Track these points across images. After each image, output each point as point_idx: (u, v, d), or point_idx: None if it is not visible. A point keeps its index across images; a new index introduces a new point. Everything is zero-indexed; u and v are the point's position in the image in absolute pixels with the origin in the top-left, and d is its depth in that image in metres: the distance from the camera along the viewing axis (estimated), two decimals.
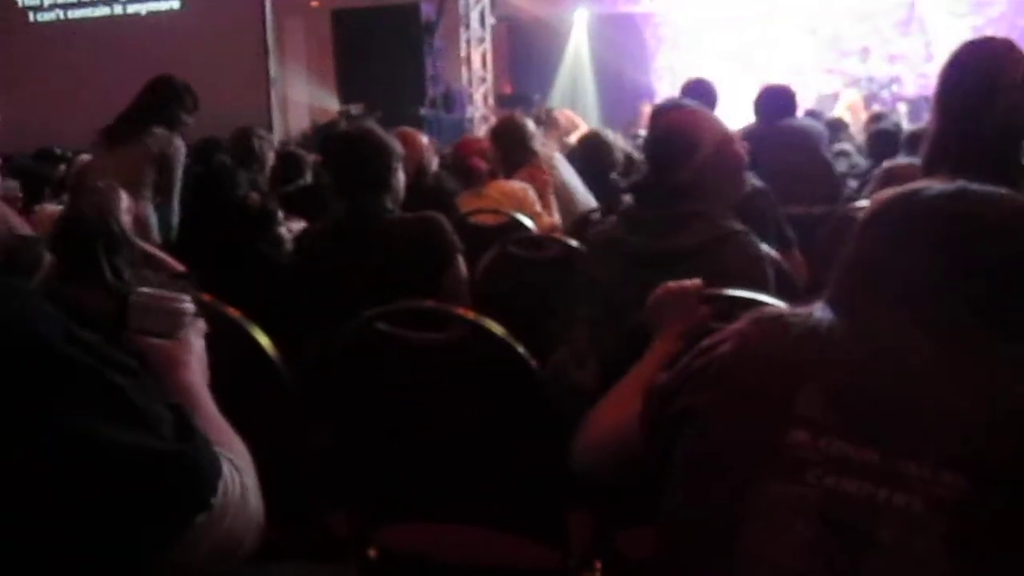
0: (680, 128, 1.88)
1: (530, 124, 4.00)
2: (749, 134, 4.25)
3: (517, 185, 3.54)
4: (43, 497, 0.71)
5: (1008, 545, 0.87)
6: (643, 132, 5.25)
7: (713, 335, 1.09)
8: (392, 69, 8.93)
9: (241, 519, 0.83)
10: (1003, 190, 1.02)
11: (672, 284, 1.44)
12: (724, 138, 1.90)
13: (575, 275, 1.95)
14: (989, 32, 11.33)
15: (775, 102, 4.09)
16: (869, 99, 10.10)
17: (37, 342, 0.73)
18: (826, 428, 0.94)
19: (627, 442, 1.16)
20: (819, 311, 1.02)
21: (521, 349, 1.53)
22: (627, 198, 1.97)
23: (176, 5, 10.34)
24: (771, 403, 0.97)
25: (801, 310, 1.04)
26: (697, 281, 1.46)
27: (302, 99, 12.22)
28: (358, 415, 1.74)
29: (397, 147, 2.36)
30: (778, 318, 1.05)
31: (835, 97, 10.40)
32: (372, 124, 2.40)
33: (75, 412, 0.73)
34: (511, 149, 3.87)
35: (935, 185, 1.04)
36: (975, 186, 1.02)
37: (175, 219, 3.62)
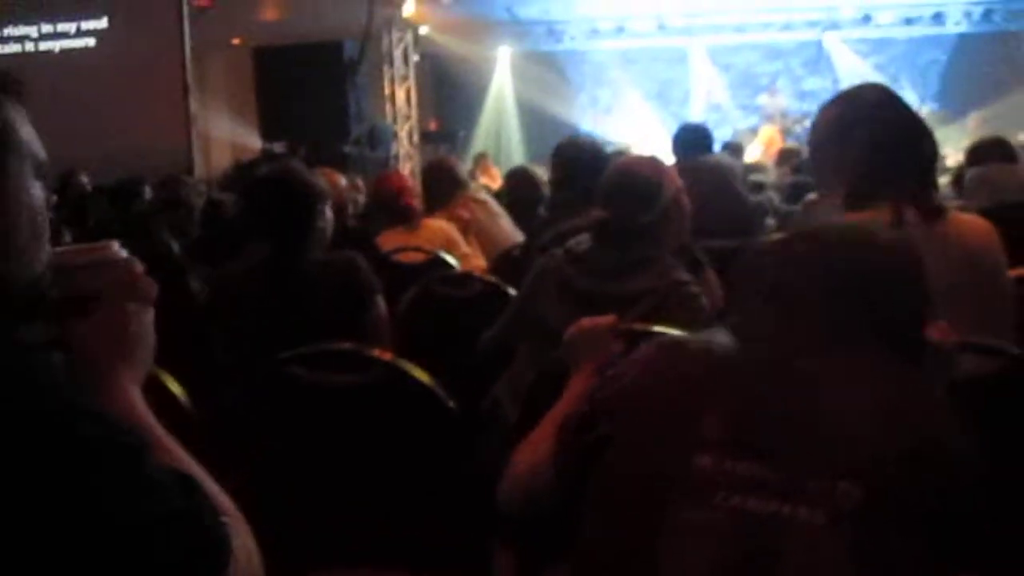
0: (645, 173, 1.96)
1: (459, 165, 4.08)
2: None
3: (445, 224, 3.55)
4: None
5: (907, 549, 0.90)
6: None
7: (618, 365, 1.11)
8: (315, 107, 8.87)
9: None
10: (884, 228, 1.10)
11: (586, 320, 1.47)
12: (680, 187, 1.99)
13: (515, 309, 1.98)
14: (892, 69, 11.90)
15: (690, 140, 4.21)
16: (784, 134, 10.46)
17: (56, 427, 0.67)
18: (729, 450, 0.96)
19: (543, 479, 1.17)
20: (720, 335, 1.06)
21: (440, 391, 1.52)
22: (579, 238, 2.01)
23: (92, 43, 10.12)
24: (677, 429, 1.00)
25: (702, 335, 1.08)
26: (611, 317, 1.48)
27: (224, 137, 12.05)
28: (274, 461, 1.71)
29: (323, 187, 2.34)
30: (678, 345, 1.08)
31: (753, 132, 10.75)
32: (296, 164, 2.36)
33: (98, 497, 0.67)
34: (438, 188, 3.89)
35: (832, 220, 1.10)
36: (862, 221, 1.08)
37: None
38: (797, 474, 0.93)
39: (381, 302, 2.22)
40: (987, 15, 11.29)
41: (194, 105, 10.31)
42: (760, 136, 10.36)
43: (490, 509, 1.33)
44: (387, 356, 1.57)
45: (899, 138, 1.73)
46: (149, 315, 0.90)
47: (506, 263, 3.05)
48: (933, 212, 1.70)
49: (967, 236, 1.71)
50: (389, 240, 3.45)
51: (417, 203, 3.56)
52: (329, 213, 2.33)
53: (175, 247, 3.24)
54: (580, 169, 2.88)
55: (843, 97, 1.89)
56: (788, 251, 1.09)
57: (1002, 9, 11.22)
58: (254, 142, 10.27)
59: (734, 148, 7.57)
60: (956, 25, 11.44)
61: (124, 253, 0.90)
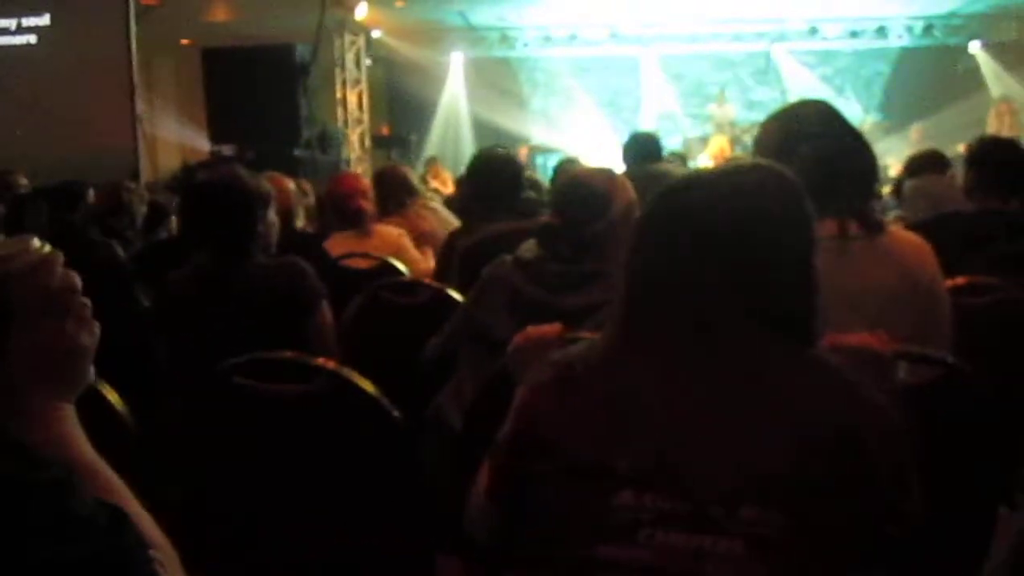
0: (597, 183, 1.96)
1: (411, 174, 4.07)
2: None
3: (396, 231, 3.52)
4: None
5: (826, 570, 0.90)
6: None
7: (522, 393, 1.10)
8: (265, 110, 8.75)
9: None
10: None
11: (532, 330, 1.45)
12: (632, 200, 1.98)
13: (461, 316, 1.96)
14: (837, 81, 12.16)
15: (640, 148, 4.25)
16: (733, 143, 10.61)
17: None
18: (647, 485, 0.95)
19: (481, 501, 1.15)
20: (613, 350, 1.04)
21: (384, 399, 1.50)
22: (527, 244, 2.00)
23: (33, 40, 9.85)
24: (593, 468, 0.98)
25: (594, 350, 1.06)
26: (557, 326, 1.47)
27: (172, 139, 11.85)
28: (217, 472, 1.67)
29: (266, 191, 2.29)
30: (571, 379, 1.06)
31: (703, 141, 10.89)
32: (236, 168, 2.31)
33: (16, 538, 0.63)
34: (391, 194, 3.86)
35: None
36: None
37: None
38: (710, 505, 0.92)
39: (326, 308, 2.18)
40: (927, 30, 11.61)
41: (141, 106, 10.12)
42: (710, 146, 10.50)
43: (435, 517, 1.31)
44: (330, 364, 1.55)
45: (840, 154, 1.76)
46: (76, 327, 0.80)
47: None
48: (875, 226, 1.74)
49: (906, 251, 1.75)
50: (339, 245, 3.41)
51: (368, 206, 3.51)
52: (273, 217, 2.29)
53: (119, 253, 3.16)
54: (493, 177, 2.97)
55: (786, 112, 1.92)
56: (676, 251, 1.06)
57: (941, 24, 11.55)
58: (203, 144, 10.11)
59: (680, 157, 7.69)
60: (899, 39, 11.74)
61: (42, 253, 0.78)
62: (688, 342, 1.00)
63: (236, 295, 2.09)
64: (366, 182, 3.85)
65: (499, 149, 3.31)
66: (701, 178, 1.10)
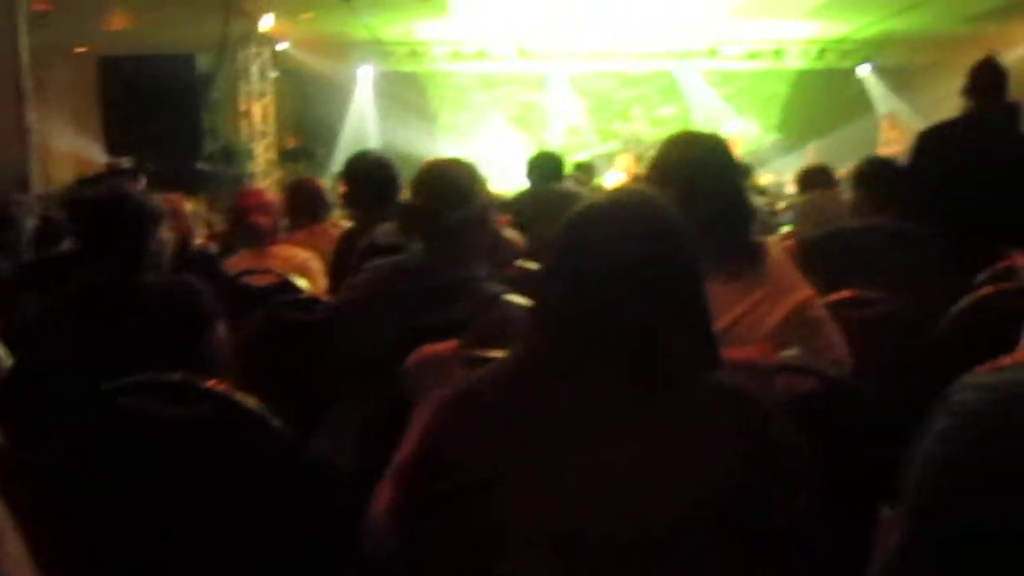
0: (458, 171, 1.95)
1: (325, 187, 4.01)
2: (519, 199, 4.46)
3: (304, 254, 3.45)
4: None
5: None
6: None
7: (426, 413, 1.10)
8: (166, 121, 8.48)
9: None
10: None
11: (427, 349, 1.44)
12: (489, 201, 1.99)
13: (335, 345, 1.92)
14: (738, 100, 12.57)
15: (543, 167, 4.31)
16: (638, 160, 10.84)
17: None
18: (547, 515, 0.96)
19: (385, 522, 1.13)
20: (520, 376, 1.05)
21: (275, 422, 1.47)
22: (384, 228, 1.97)
23: None
24: (493, 490, 0.99)
25: (501, 373, 1.07)
26: (453, 343, 1.46)
27: (67, 150, 11.37)
28: (101, 499, 1.60)
29: (157, 208, 2.23)
30: (477, 402, 1.07)
31: (611, 158, 11.08)
32: (127, 185, 2.24)
33: None
34: (303, 207, 3.80)
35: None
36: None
37: None
38: (595, 543, 0.93)
39: (221, 327, 2.13)
40: (821, 53, 12.13)
41: (32, 115, 9.70)
42: (617, 163, 10.70)
43: (332, 539, 1.29)
44: (219, 387, 1.50)
45: (712, 199, 1.80)
46: None
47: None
48: (755, 257, 1.82)
49: (780, 277, 1.83)
50: (241, 261, 3.33)
51: (268, 221, 3.44)
52: (166, 235, 2.23)
53: (4, 270, 3.02)
54: (370, 182, 3.11)
55: (671, 148, 1.95)
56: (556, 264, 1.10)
57: (834, 48, 12.08)
58: (100, 156, 9.74)
59: (585, 168, 7.78)
60: (795, 61, 12.22)
61: None
62: (595, 373, 1.02)
63: (123, 315, 2.02)
64: (268, 197, 3.78)
65: (373, 152, 3.41)
66: (600, 210, 1.13)
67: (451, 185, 1.92)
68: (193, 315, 2.06)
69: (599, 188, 7.15)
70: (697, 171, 1.84)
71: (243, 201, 3.61)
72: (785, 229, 4.03)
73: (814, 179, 4.47)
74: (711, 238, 1.71)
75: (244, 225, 3.50)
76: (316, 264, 3.38)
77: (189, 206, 3.51)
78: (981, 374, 0.81)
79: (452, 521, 1.01)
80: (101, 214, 2.10)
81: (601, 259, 1.07)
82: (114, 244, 2.06)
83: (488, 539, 0.97)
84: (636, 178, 7.51)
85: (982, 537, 0.75)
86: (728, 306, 1.69)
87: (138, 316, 2.03)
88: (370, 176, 3.13)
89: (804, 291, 1.84)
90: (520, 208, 4.31)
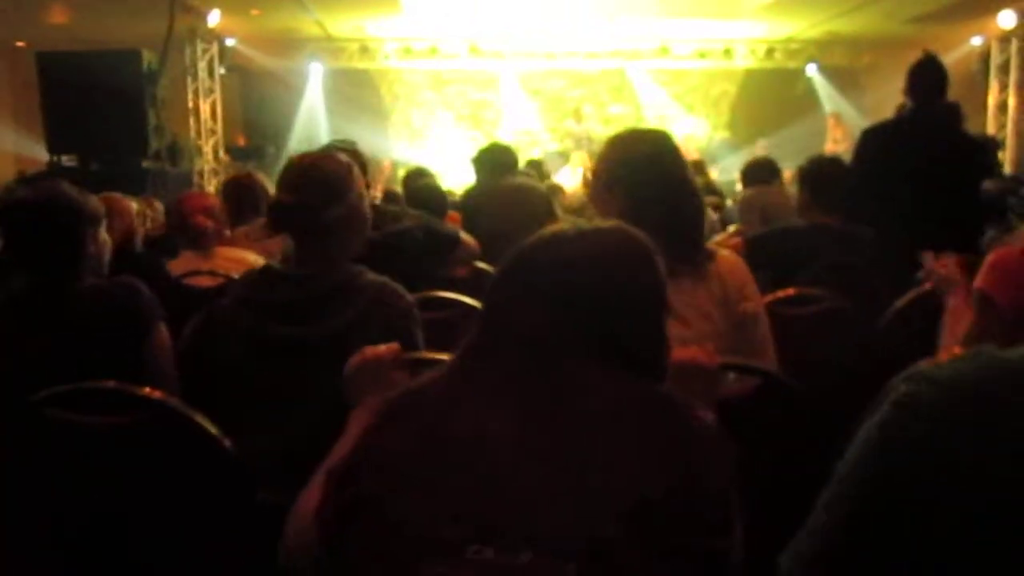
0: (332, 167, 1.88)
1: (263, 181, 3.91)
2: (469, 194, 4.41)
3: (251, 257, 3.39)
4: None
5: None
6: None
7: (359, 419, 1.08)
8: (109, 119, 8.26)
9: None
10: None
11: (368, 351, 1.42)
12: (362, 190, 1.94)
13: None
14: (688, 99, 12.70)
15: (494, 160, 4.27)
16: (592, 158, 10.87)
17: None
18: (468, 533, 0.94)
19: (308, 530, 1.11)
20: (452, 390, 1.05)
21: (213, 430, 1.43)
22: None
23: None
24: (413, 505, 0.97)
25: (433, 385, 1.07)
26: (394, 345, 1.44)
27: (7, 147, 11.08)
28: (32, 514, 1.55)
29: (94, 208, 2.16)
30: (405, 413, 1.06)
31: (563, 156, 11.10)
32: (60, 185, 2.15)
33: None
34: (241, 205, 3.74)
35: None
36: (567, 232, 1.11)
37: None
38: (512, 553, 0.92)
39: (163, 330, 2.07)
40: (769, 53, 12.32)
41: None
42: (572, 161, 10.73)
43: (272, 558, 1.26)
44: (156, 394, 1.46)
45: (660, 197, 1.83)
46: None
47: None
48: (701, 258, 1.83)
49: (722, 273, 1.85)
50: (184, 263, 3.27)
51: (211, 224, 3.38)
52: (104, 236, 2.16)
53: None
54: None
55: (618, 146, 1.96)
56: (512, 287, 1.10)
57: (782, 48, 12.27)
58: (41, 155, 9.49)
59: (536, 165, 7.74)
60: (744, 59, 12.39)
61: None
62: (528, 387, 1.02)
63: (56, 321, 1.95)
64: (211, 200, 3.71)
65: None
66: (562, 236, 1.12)
67: (329, 182, 1.85)
68: (134, 317, 2.00)
69: (553, 186, 7.12)
70: (643, 167, 1.85)
71: (182, 204, 3.54)
72: (732, 228, 4.08)
73: (755, 173, 4.50)
74: (658, 235, 1.74)
75: (187, 227, 3.43)
76: (259, 261, 3.33)
77: (135, 206, 3.43)
78: (932, 367, 0.81)
79: (375, 525, 0.99)
80: (30, 217, 2.01)
81: (557, 275, 1.07)
82: (44, 248, 1.99)
83: (410, 544, 0.96)
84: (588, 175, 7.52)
85: (910, 532, 0.75)
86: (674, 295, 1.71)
87: (74, 322, 1.96)
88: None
89: (748, 280, 1.87)
90: (469, 203, 4.25)
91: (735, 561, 1.04)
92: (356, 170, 1.94)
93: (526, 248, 1.12)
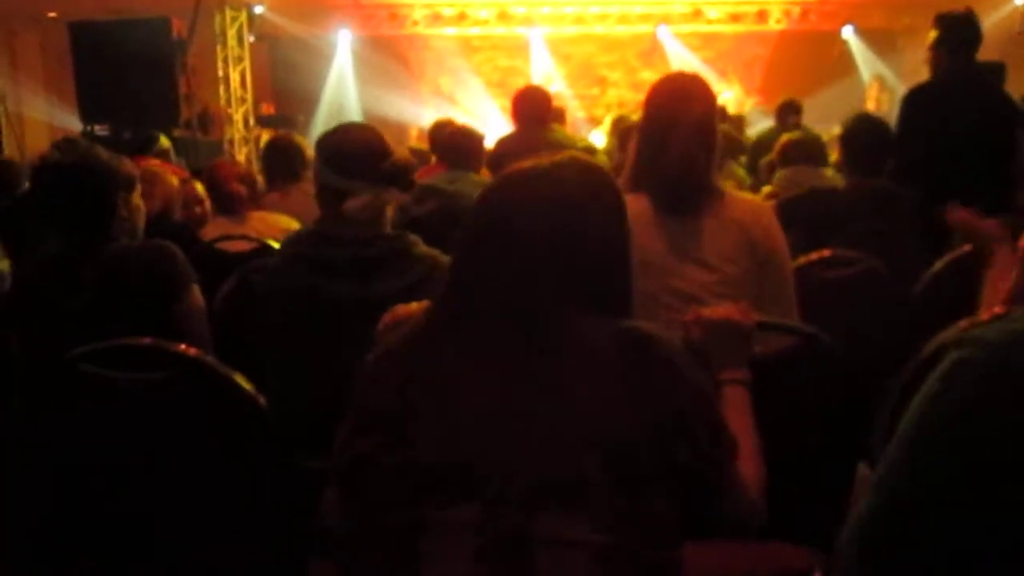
0: (370, 136, 1.91)
1: (306, 144, 3.90)
2: (504, 142, 4.32)
3: (284, 220, 3.41)
4: None
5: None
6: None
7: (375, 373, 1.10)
8: (141, 88, 8.31)
9: None
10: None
11: (400, 309, 1.41)
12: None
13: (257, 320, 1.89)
14: (720, 64, 12.50)
15: (527, 110, 4.18)
16: (620, 121, 10.76)
17: None
18: (442, 479, 0.97)
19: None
20: (425, 333, 1.06)
21: (248, 387, 1.45)
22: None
23: None
24: (395, 448, 1.00)
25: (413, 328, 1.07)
26: (425, 303, 1.44)
27: (40, 117, 11.20)
28: (72, 468, 1.58)
29: (127, 172, 2.17)
30: (389, 355, 1.08)
31: (590, 122, 11.00)
32: (94, 149, 2.16)
33: None
34: (280, 166, 3.75)
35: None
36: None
37: None
38: (493, 503, 0.94)
39: (196, 292, 2.09)
40: (804, 15, 12.06)
41: (3, 83, 9.52)
42: (604, 124, 10.63)
43: (307, 518, 1.27)
44: (192, 351, 1.48)
45: (659, 132, 1.85)
46: None
47: None
48: (706, 193, 1.81)
49: (744, 218, 1.81)
50: (215, 230, 3.30)
51: (243, 190, 3.40)
52: (138, 201, 2.18)
53: None
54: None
55: (650, 88, 1.96)
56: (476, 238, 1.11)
57: (817, 10, 12.01)
58: (74, 124, 9.58)
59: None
60: (777, 23, 12.15)
61: None
62: (501, 331, 1.03)
63: (96, 282, 1.97)
64: (242, 167, 3.75)
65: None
66: (517, 175, 1.12)
67: (369, 148, 1.87)
68: (167, 279, 2.02)
69: (588, 147, 7.02)
70: (665, 101, 1.86)
71: (215, 172, 3.57)
72: (766, 190, 4.00)
73: (795, 154, 3.98)
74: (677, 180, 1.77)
75: (221, 194, 3.47)
76: (297, 228, 3.34)
77: (175, 180, 3.46)
78: (978, 330, 0.80)
79: (373, 481, 1.02)
80: (63, 180, 2.02)
81: (513, 222, 1.08)
82: (77, 211, 2.01)
83: (412, 488, 0.98)
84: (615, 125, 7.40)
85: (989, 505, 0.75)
86: (690, 233, 1.75)
87: (111, 281, 1.99)
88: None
89: (772, 225, 1.85)
90: (502, 154, 4.13)
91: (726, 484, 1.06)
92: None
93: (488, 192, 1.13)
